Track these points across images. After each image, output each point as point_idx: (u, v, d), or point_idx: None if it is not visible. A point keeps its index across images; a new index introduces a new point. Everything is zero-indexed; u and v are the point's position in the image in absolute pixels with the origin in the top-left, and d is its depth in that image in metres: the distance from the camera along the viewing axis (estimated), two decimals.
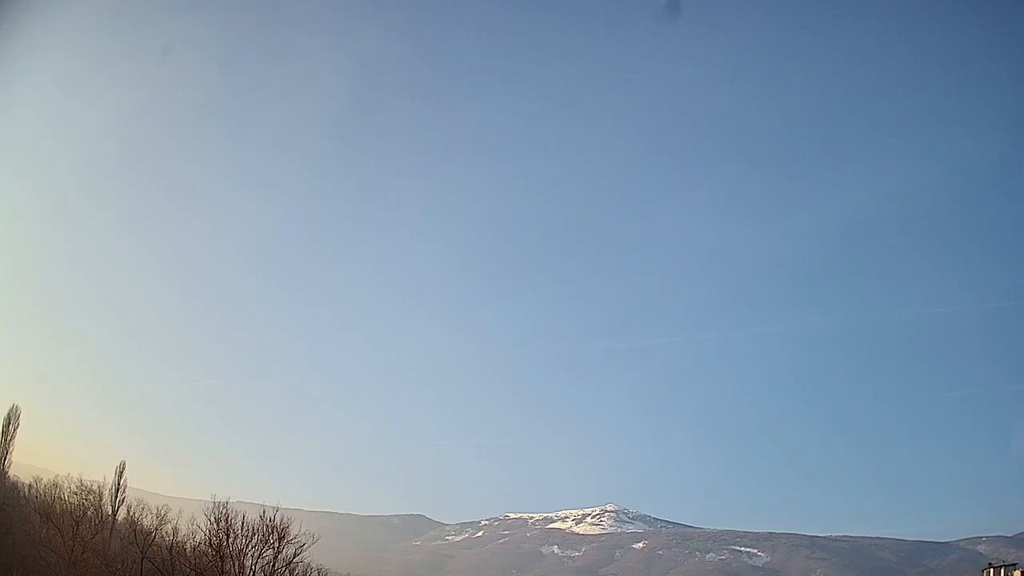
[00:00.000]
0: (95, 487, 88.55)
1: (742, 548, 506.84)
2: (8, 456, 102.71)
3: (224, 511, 69.89)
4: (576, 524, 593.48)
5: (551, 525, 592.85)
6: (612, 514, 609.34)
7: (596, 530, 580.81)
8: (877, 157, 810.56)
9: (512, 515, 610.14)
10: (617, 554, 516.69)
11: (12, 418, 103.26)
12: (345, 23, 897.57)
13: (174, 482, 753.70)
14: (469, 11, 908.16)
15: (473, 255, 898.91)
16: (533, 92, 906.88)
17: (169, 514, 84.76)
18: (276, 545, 71.42)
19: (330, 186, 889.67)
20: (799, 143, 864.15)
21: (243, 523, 70.64)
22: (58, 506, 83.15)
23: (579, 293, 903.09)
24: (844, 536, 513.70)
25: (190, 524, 79.06)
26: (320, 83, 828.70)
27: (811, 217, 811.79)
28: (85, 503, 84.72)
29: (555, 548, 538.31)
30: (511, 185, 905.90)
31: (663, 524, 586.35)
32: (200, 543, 74.46)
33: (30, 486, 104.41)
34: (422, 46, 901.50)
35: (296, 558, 74.24)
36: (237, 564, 69.60)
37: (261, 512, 72.86)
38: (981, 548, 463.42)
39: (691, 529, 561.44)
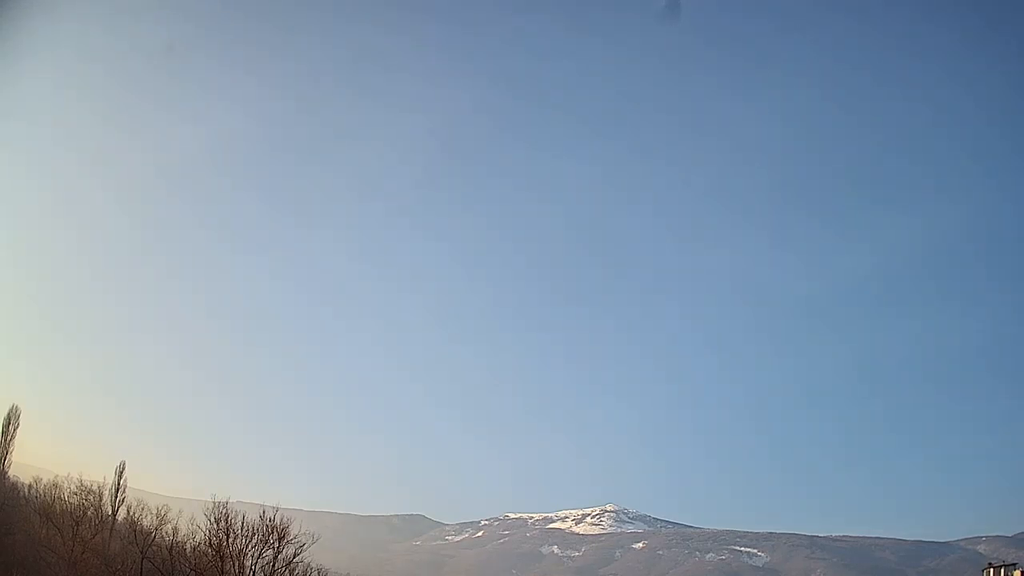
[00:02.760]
0: (95, 487, 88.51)
1: (742, 548, 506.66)
2: (8, 456, 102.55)
3: (224, 511, 69.64)
4: (576, 524, 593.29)
5: (551, 525, 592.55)
6: (612, 514, 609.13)
7: (596, 530, 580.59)
8: (911, 199, 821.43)
9: (512, 515, 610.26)
10: (617, 554, 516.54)
11: (12, 418, 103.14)
12: (427, 70, 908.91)
13: (174, 482, 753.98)
14: (524, 53, 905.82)
15: (510, 284, 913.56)
16: (580, 129, 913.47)
17: (169, 514, 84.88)
18: (276, 545, 71.25)
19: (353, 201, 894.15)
20: (840, 184, 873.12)
21: (243, 523, 70.41)
22: (58, 506, 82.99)
23: (601, 314, 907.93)
24: (844, 536, 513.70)
25: (190, 524, 78.98)
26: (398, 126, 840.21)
27: (844, 257, 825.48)
28: (85, 503, 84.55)
29: (555, 548, 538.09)
30: (554, 220, 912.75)
31: (663, 524, 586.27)
32: (200, 543, 74.34)
33: (30, 486, 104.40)
34: (487, 96, 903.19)
35: (296, 558, 74.06)
36: (237, 564, 69.48)
37: (261, 512, 72.64)
38: (981, 548, 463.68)
39: (691, 529, 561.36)
